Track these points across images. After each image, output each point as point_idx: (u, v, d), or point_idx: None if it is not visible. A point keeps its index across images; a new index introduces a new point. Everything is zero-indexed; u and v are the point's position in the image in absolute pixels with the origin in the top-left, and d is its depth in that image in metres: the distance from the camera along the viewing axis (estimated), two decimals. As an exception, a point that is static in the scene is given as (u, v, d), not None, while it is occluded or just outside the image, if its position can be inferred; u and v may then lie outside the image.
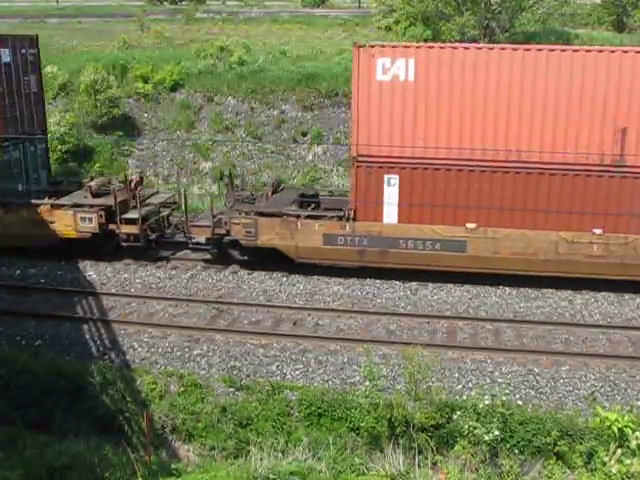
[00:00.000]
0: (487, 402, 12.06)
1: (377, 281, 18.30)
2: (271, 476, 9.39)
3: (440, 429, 12.56)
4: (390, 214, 17.61)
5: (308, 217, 18.34)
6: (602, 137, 16.57)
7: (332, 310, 16.88)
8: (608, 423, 10.86)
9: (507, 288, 17.89)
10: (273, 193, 20.17)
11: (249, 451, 11.10)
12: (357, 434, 12.71)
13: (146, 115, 27.13)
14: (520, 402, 13.04)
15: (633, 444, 10.32)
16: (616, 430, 10.72)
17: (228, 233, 18.68)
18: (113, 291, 18.05)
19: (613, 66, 16.24)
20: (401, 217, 17.58)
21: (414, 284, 18.15)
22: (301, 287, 18.21)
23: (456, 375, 14.09)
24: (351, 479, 10.47)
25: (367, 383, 12.73)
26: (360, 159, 17.34)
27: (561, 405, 13.17)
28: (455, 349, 15.00)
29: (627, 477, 9.75)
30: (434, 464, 11.50)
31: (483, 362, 14.55)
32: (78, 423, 13.02)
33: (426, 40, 30.56)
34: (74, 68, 28.20)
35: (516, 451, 12.04)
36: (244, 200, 19.71)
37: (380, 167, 17.33)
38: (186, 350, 15.19)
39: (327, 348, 15.17)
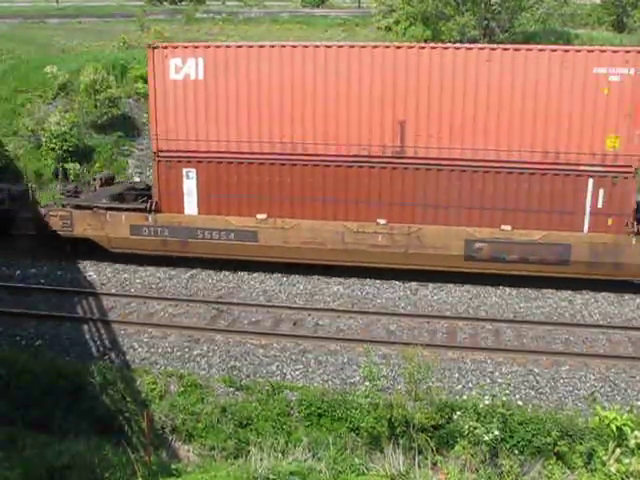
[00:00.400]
0: (487, 402, 12.05)
1: (377, 281, 18.31)
2: (271, 476, 9.37)
3: (440, 429, 12.55)
4: (190, 206, 18.40)
5: (116, 209, 18.91)
6: (383, 129, 17.02)
7: (332, 310, 16.89)
8: (607, 422, 10.85)
9: (507, 288, 17.88)
10: (103, 186, 20.78)
11: (249, 451, 11.06)
12: (357, 434, 12.70)
13: (146, 115, 27.06)
14: (520, 402, 13.04)
15: (632, 443, 10.30)
16: (614, 428, 10.71)
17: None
18: (113, 291, 18.07)
19: (388, 61, 16.75)
20: (201, 209, 18.37)
21: (414, 284, 18.15)
22: (301, 287, 18.22)
23: (456, 375, 14.08)
24: (351, 479, 10.46)
25: (367, 383, 12.71)
26: (160, 154, 18.17)
27: (561, 405, 13.15)
28: (455, 349, 14.99)
29: (626, 476, 9.73)
30: (434, 464, 11.48)
31: (483, 362, 14.54)
32: (78, 423, 12.99)
33: (426, 40, 30.51)
34: (74, 68, 28.18)
35: (516, 451, 12.03)
36: (68, 193, 20.28)
37: (178, 161, 18.14)
38: (186, 350, 15.19)
39: (327, 348, 15.17)
